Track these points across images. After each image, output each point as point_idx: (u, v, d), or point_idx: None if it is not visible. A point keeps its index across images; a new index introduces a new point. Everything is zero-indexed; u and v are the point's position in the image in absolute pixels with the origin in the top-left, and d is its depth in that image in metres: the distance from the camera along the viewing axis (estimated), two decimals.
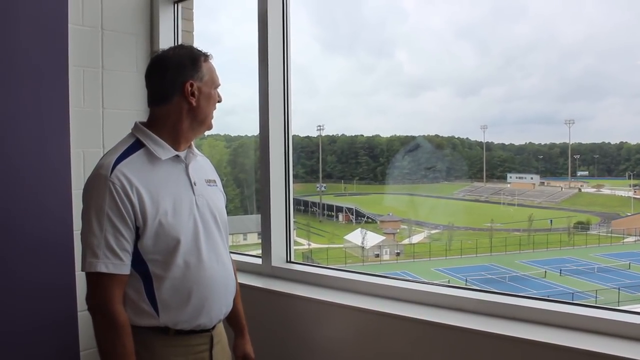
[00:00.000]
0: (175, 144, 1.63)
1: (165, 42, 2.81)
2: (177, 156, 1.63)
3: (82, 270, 1.51)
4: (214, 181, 1.77)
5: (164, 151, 1.60)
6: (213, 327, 1.67)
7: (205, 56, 1.66)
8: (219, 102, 1.69)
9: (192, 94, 1.60)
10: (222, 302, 1.66)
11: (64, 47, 2.26)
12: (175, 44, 2.85)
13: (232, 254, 1.86)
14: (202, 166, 1.75)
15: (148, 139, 1.60)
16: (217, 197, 1.74)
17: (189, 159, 1.66)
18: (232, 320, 1.85)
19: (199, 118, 1.64)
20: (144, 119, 1.67)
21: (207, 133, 1.76)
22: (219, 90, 1.70)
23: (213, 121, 1.70)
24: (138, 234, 1.51)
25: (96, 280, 1.48)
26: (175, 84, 1.59)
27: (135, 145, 1.59)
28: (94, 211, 1.48)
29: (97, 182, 1.50)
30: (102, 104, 2.63)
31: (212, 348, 1.66)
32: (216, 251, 1.65)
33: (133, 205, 1.49)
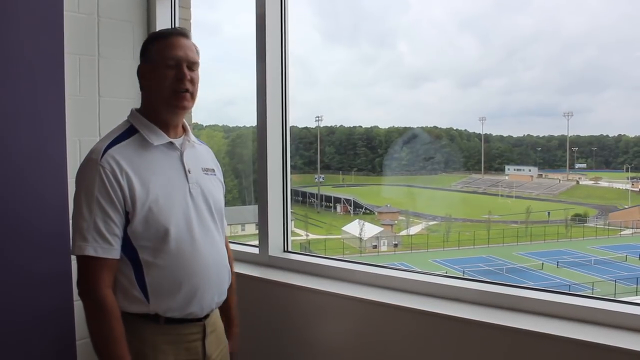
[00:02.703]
0: (162, 128, 1.61)
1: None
2: (172, 143, 1.62)
3: (71, 254, 1.50)
4: (213, 170, 1.75)
5: (157, 137, 1.59)
6: (206, 317, 1.65)
7: (163, 36, 1.62)
8: (180, 78, 1.57)
9: (145, 78, 1.62)
10: (214, 291, 1.64)
11: (60, 35, 2.24)
12: None
13: (229, 244, 1.84)
14: (200, 154, 1.73)
15: (142, 125, 1.60)
16: (213, 186, 1.71)
17: (185, 147, 1.64)
18: (221, 311, 1.79)
19: (159, 99, 1.59)
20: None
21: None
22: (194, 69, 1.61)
23: (196, 98, 1.63)
24: (128, 219, 1.51)
25: (85, 264, 1.48)
26: (137, 71, 1.64)
27: (129, 131, 1.59)
28: (84, 195, 1.48)
29: (88, 167, 1.50)
30: (98, 92, 2.61)
31: (205, 338, 1.64)
32: (210, 240, 1.63)
33: (122, 189, 1.48)
